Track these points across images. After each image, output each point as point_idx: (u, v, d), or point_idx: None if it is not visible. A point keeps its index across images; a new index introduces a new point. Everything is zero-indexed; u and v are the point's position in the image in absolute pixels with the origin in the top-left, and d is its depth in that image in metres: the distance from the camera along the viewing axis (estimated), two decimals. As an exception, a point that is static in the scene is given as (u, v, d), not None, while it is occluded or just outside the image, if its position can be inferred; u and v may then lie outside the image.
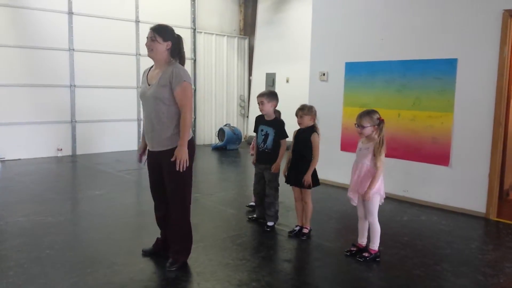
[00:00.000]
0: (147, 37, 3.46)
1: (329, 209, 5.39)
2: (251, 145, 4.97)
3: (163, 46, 3.42)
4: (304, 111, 4.31)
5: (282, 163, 4.57)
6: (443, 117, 5.52)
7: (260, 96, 4.60)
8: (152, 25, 3.49)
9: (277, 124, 4.60)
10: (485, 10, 5.13)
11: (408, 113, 5.85)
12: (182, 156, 3.33)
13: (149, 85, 3.49)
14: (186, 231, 3.64)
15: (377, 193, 3.79)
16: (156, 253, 3.83)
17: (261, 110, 4.62)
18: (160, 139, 3.46)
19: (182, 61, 3.54)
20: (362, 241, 3.99)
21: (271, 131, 4.58)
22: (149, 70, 3.61)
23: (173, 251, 3.65)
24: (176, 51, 3.49)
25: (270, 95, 4.61)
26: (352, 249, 3.98)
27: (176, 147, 3.39)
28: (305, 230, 4.42)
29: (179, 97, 3.37)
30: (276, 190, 4.64)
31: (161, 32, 3.42)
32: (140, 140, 3.88)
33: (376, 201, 3.81)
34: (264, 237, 4.49)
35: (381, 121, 3.78)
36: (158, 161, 3.53)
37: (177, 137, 3.40)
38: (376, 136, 3.79)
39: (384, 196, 3.88)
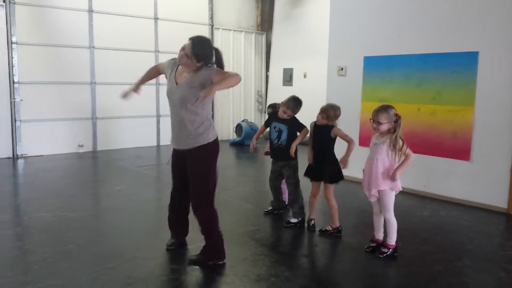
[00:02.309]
0: (183, 47, 3.36)
1: (347, 205, 5.37)
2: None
3: (194, 65, 3.40)
4: (330, 114, 4.26)
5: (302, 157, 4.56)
6: (463, 111, 5.44)
7: (287, 107, 4.52)
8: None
9: (291, 121, 4.59)
10: (506, 1, 5.02)
11: (428, 108, 5.78)
12: (210, 90, 3.15)
13: (176, 84, 3.48)
14: (214, 231, 3.58)
15: (392, 189, 3.77)
16: (180, 245, 3.90)
17: (281, 116, 4.60)
18: (185, 138, 3.47)
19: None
20: (379, 235, 3.98)
21: (284, 128, 4.58)
22: (177, 67, 3.55)
23: (202, 251, 3.65)
24: (208, 58, 3.45)
25: (297, 106, 4.57)
26: (371, 244, 3.97)
27: (201, 145, 3.42)
28: (329, 228, 4.36)
29: (219, 79, 3.30)
30: (296, 186, 4.63)
31: (198, 52, 3.34)
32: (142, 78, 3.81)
33: (391, 197, 3.80)
34: (282, 233, 4.51)
35: (398, 117, 3.72)
36: (183, 159, 3.56)
37: (202, 136, 3.43)
38: (391, 131, 3.74)
39: (401, 188, 3.82)
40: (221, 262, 3.60)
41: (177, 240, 3.92)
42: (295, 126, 4.59)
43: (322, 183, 4.41)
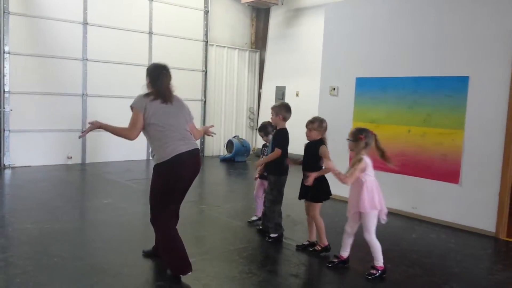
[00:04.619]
0: None
1: (336, 224, 5.34)
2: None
3: (147, 82, 3.75)
4: (314, 125, 4.30)
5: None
6: (453, 134, 5.49)
7: (272, 108, 4.69)
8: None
9: (277, 133, 4.66)
10: (496, 28, 5.13)
11: (418, 130, 5.83)
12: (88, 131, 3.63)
13: None
14: (164, 247, 3.63)
15: (373, 209, 3.76)
16: (155, 255, 3.94)
17: (273, 121, 4.72)
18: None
19: (156, 91, 3.66)
20: (344, 253, 4.02)
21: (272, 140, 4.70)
22: None
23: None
24: (154, 85, 3.69)
25: (279, 107, 4.68)
26: (333, 260, 4.03)
27: (156, 164, 3.58)
28: (318, 248, 4.35)
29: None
30: (272, 202, 4.63)
31: (146, 71, 3.80)
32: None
33: (371, 217, 3.77)
34: (271, 251, 4.47)
35: (360, 139, 3.79)
36: None
37: (156, 156, 3.59)
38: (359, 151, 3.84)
39: (386, 212, 3.82)
40: (176, 276, 3.58)
41: (156, 247, 3.88)
42: (276, 140, 4.61)
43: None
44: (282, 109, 4.62)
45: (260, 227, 4.92)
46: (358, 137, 3.82)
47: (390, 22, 6.20)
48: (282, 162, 4.56)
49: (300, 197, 4.43)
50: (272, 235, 4.66)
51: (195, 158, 3.66)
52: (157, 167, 3.58)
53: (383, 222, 3.82)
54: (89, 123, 3.64)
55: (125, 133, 3.58)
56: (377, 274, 3.79)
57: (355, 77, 6.59)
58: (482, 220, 5.26)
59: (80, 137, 3.84)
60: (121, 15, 9.34)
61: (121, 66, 9.28)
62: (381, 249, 3.81)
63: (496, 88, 5.14)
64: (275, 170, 4.60)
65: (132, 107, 3.63)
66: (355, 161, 3.80)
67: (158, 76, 3.69)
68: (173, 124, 3.59)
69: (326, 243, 4.35)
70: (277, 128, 4.66)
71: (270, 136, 4.97)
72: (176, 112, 3.66)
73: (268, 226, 4.69)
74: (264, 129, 5.16)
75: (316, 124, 4.30)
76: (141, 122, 3.55)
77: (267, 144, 5.06)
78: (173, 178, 3.55)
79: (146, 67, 3.87)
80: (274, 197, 4.63)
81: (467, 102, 5.37)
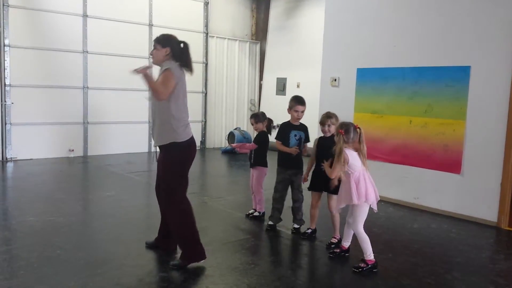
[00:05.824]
0: None
1: (342, 218, 5.36)
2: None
3: (162, 52, 3.59)
4: (332, 119, 4.30)
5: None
6: (455, 124, 5.48)
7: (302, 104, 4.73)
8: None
9: (305, 128, 4.74)
10: (498, 17, 5.09)
11: (419, 120, 5.82)
12: (142, 70, 3.33)
13: None
14: (181, 233, 3.65)
15: (361, 201, 3.71)
16: (157, 247, 3.98)
17: (299, 116, 4.70)
18: (156, 134, 3.63)
19: (188, 68, 3.65)
20: (345, 243, 4.05)
21: (303, 135, 4.67)
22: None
23: (181, 255, 3.72)
24: (179, 57, 3.60)
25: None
26: (336, 250, 4.08)
27: (167, 144, 3.52)
28: (334, 240, 4.31)
29: (158, 80, 3.46)
30: (274, 192, 4.74)
31: (161, 40, 3.63)
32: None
33: (360, 209, 3.74)
34: (273, 242, 4.49)
35: (339, 133, 3.76)
36: (161, 156, 3.71)
37: (168, 134, 3.52)
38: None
39: (378, 200, 3.81)
40: (184, 264, 3.62)
41: (159, 238, 3.96)
42: (307, 134, 4.73)
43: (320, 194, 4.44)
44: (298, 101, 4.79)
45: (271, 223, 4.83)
46: (338, 131, 3.79)
47: (391, 12, 6.16)
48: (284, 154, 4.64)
49: (312, 189, 4.44)
50: (269, 223, 4.77)
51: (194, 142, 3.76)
52: (176, 145, 3.53)
53: (374, 211, 3.82)
54: (144, 66, 3.40)
55: (161, 90, 3.37)
56: (366, 268, 3.73)
57: (356, 67, 6.56)
58: (483, 210, 5.27)
59: (132, 71, 3.42)
60: (121, 7, 9.29)
61: (121, 58, 9.24)
62: (369, 242, 3.76)
63: (497, 78, 5.12)
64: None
65: (170, 70, 3.45)
66: (335, 155, 3.73)
67: (183, 50, 3.63)
68: (186, 105, 3.64)
69: (339, 236, 4.30)
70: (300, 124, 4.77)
71: (260, 124, 5.08)
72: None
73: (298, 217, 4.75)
74: (255, 116, 5.19)
75: (334, 119, 4.34)
76: (173, 88, 3.44)
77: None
78: (189, 157, 3.64)
79: (156, 37, 3.67)
80: (275, 189, 4.75)
81: (468, 92, 5.35)
